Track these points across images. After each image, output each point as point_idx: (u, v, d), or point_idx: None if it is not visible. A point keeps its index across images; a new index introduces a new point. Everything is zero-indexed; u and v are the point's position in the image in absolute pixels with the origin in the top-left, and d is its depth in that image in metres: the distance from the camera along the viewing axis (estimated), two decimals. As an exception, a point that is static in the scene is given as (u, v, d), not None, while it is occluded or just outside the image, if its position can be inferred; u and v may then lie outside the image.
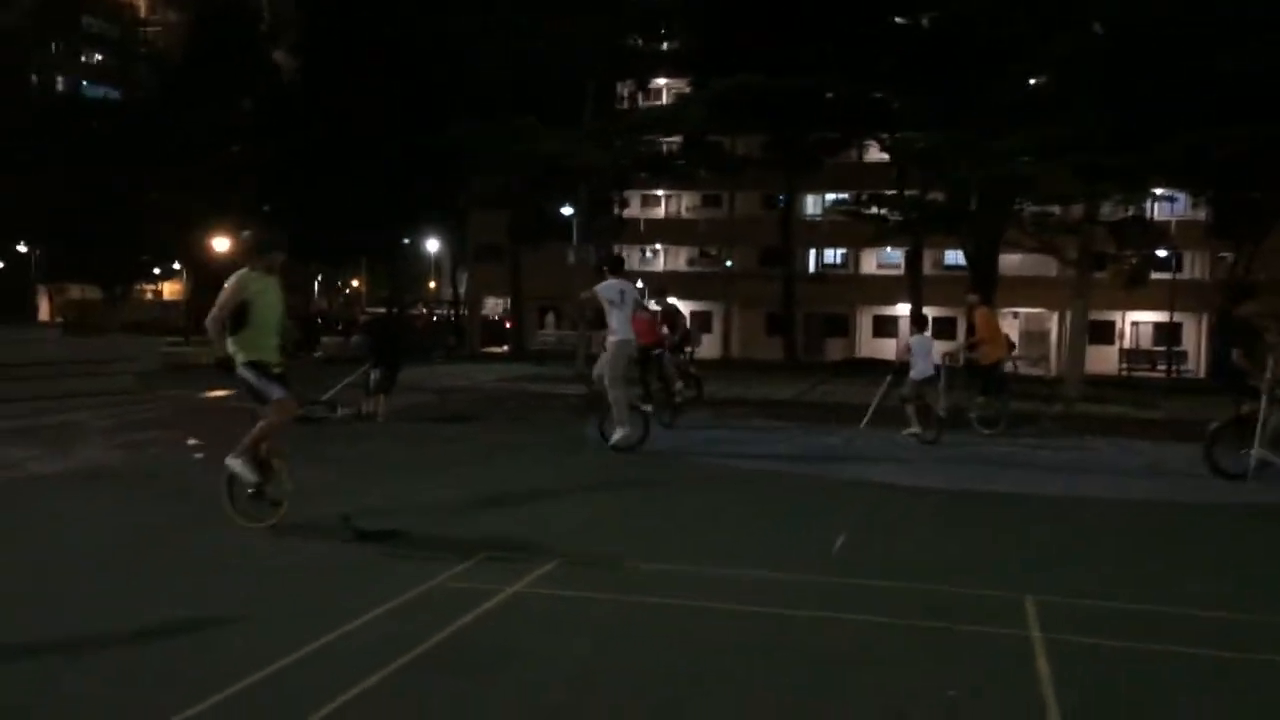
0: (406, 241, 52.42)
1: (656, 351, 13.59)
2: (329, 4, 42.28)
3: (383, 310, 49.54)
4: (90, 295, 54.83)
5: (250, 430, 7.20)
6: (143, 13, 73.10)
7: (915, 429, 13.09)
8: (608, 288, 11.38)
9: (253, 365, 7.15)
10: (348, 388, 15.42)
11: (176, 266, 55.83)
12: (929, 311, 20.78)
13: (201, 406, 17.01)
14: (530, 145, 28.20)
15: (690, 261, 54.91)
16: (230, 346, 7.12)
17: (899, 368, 14.30)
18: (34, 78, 58.44)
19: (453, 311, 58.47)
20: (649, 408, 12.40)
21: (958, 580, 6.30)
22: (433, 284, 75.11)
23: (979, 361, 14.13)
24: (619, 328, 11.27)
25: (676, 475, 10.29)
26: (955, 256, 43.78)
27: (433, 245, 58.45)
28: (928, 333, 13.67)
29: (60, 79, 65.71)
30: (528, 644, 5.02)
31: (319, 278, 71.44)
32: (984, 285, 22.58)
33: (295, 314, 14.27)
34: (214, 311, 7.14)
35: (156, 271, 56.72)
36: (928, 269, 42.92)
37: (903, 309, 42.14)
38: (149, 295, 62.48)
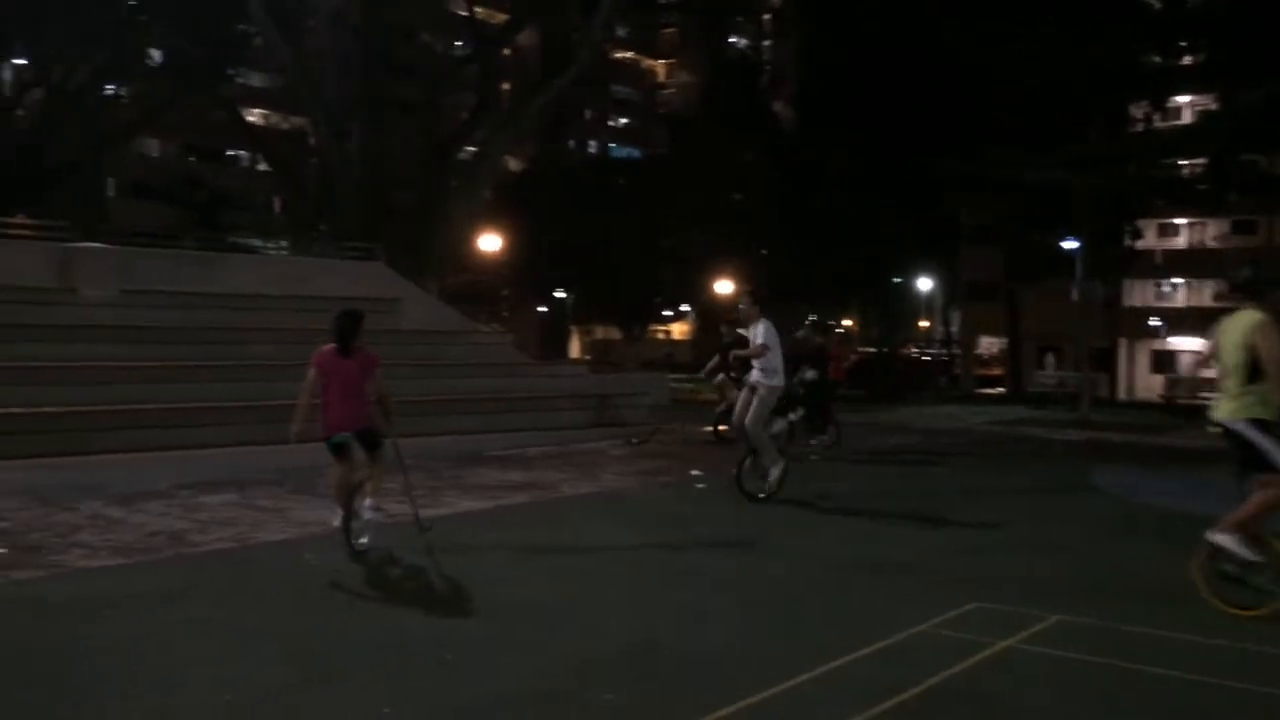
0: (897, 280, 52.33)
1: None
2: (826, 49, 43.56)
3: (872, 350, 49.82)
4: (611, 335, 61.17)
5: (1250, 501, 6.21)
6: (661, 77, 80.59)
7: None
8: (768, 331, 10.38)
9: (1259, 424, 6.12)
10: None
11: (685, 308, 60.51)
12: None
13: (704, 440, 18.20)
14: (1021, 173, 26.95)
15: (1217, 296, 49.15)
16: (1241, 400, 6.17)
17: None
18: (570, 143, 66.70)
19: (945, 351, 57.34)
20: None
21: None
22: (924, 323, 74.16)
23: None
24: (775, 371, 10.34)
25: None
26: None
27: (925, 284, 57.80)
28: None
29: (592, 143, 74.30)
30: (1013, 702, 4.79)
31: (811, 318, 73.50)
32: None
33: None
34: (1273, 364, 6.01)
35: (668, 314, 61.83)
36: None
37: None
38: (660, 335, 68.20)
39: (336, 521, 7.86)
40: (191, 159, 59.55)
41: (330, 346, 7.70)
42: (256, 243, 35.60)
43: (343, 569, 7.41)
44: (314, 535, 8.37)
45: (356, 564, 7.56)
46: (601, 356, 54.55)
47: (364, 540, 7.82)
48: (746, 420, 10.22)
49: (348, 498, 7.79)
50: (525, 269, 48.19)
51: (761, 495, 10.33)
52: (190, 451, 13.35)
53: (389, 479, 8.13)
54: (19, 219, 21.37)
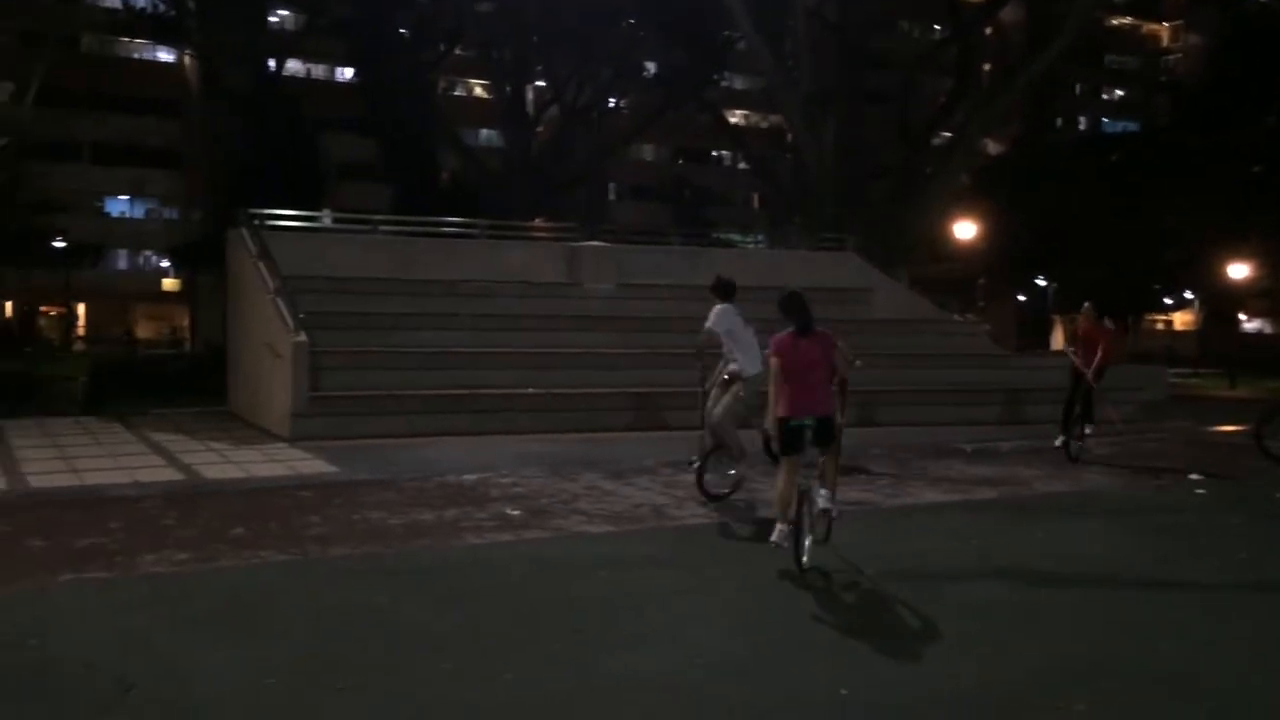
0: None
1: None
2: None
3: None
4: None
5: None
6: (1164, 42, 73.12)
7: None
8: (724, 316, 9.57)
9: None
10: None
11: (1188, 296, 54.50)
12: None
13: (1209, 440, 16.37)
14: None
15: None
16: None
17: None
18: (1057, 121, 62.59)
19: None
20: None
21: None
22: None
23: None
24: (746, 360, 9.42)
25: None
26: None
27: None
28: None
29: (1082, 119, 69.23)
30: None
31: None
32: None
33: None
34: None
35: (1168, 301, 56.09)
36: None
37: None
38: (1159, 325, 62.06)
39: (776, 537, 7.06)
40: (679, 161, 63.98)
41: (788, 332, 7.31)
42: (735, 237, 37.46)
43: (806, 556, 7.65)
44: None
45: (817, 551, 7.75)
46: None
47: (812, 538, 7.12)
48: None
49: (795, 507, 6.94)
50: (1003, 256, 46.04)
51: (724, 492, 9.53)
52: (674, 433, 14.42)
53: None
54: (537, 223, 24.38)
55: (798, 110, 27.66)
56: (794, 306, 7.33)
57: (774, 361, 7.25)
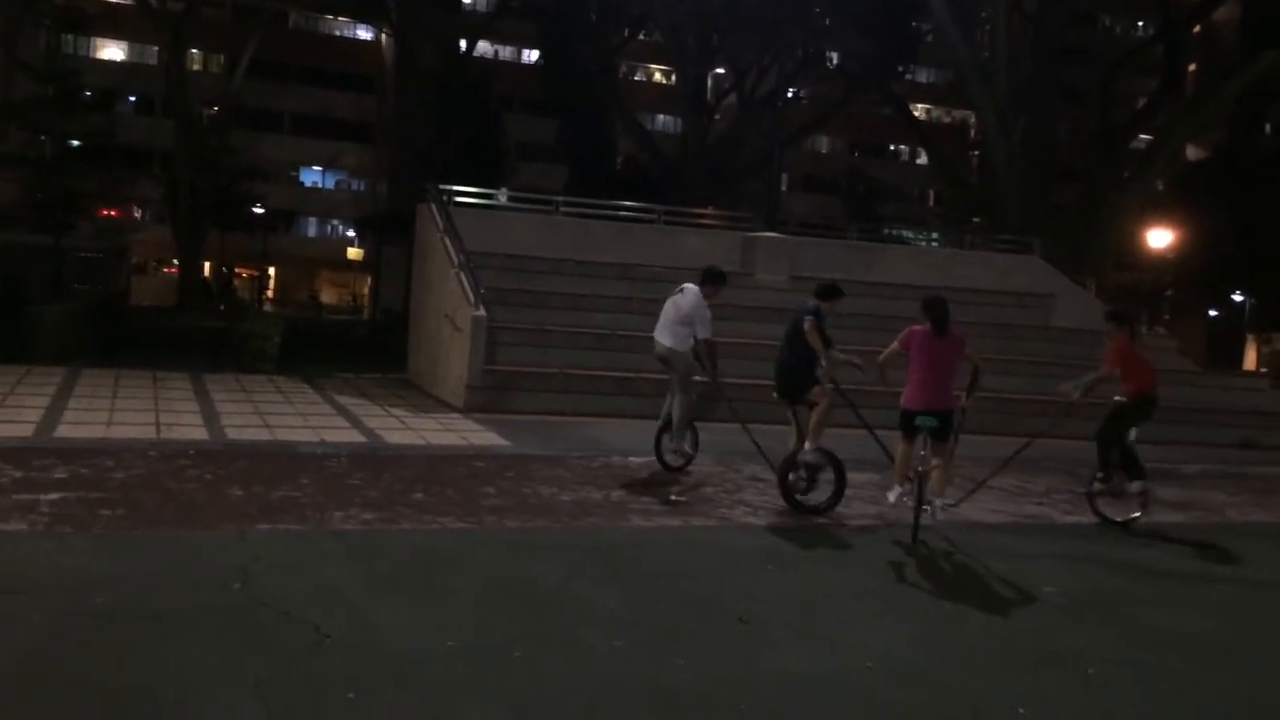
0: None
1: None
2: None
3: None
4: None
5: None
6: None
7: None
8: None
9: None
10: None
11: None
12: None
13: None
14: None
15: None
16: None
17: None
18: (1267, 126, 58.47)
19: None
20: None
21: None
22: None
23: None
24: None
25: None
26: None
27: None
28: None
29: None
30: None
31: None
32: None
33: None
34: None
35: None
36: None
37: None
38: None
39: (893, 498, 8.28)
40: (855, 154, 62.90)
41: (924, 327, 8.23)
42: (908, 234, 36.62)
43: (976, 561, 7.47)
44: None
45: (997, 560, 7.55)
46: (1283, 369, 47.47)
47: (926, 521, 7.93)
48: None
49: (915, 480, 8.00)
50: (1197, 267, 43.45)
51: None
52: (844, 430, 14.21)
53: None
54: (710, 211, 24.40)
55: (989, 105, 26.77)
56: (936, 310, 8.21)
57: (894, 344, 8.40)
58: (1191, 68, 40.68)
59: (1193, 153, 49.61)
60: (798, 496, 8.80)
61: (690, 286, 10.45)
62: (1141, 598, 6.87)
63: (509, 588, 6.06)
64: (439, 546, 6.90)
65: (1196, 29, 38.92)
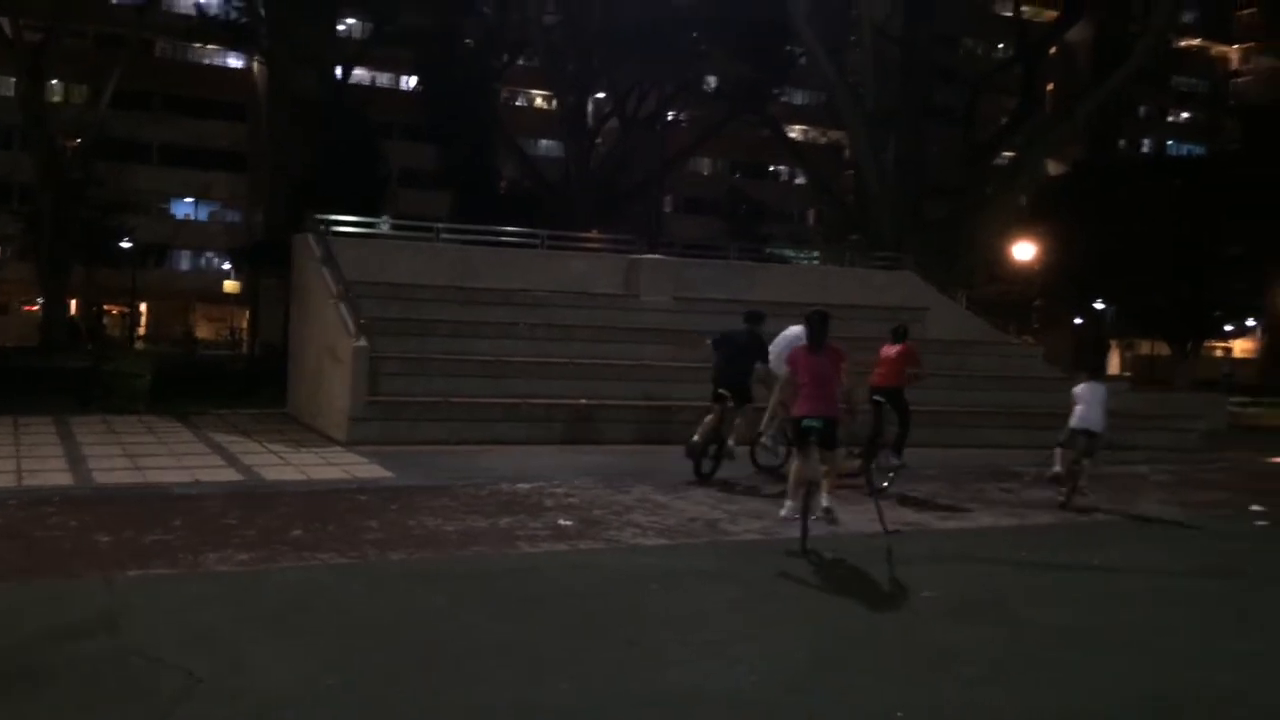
0: None
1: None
2: None
3: None
4: (1157, 351, 55.60)
5: None
6: (1234, 64, 71.81)
7: None
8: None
9: None
10: None
11: (1250, 323, 53.36)
12: None
13: (1269, 472, 16.03)
14: None
15: None
16: None
17: None
18: (1120, 143, 61.65)
19: None
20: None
21: None
22: None
23: None
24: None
25: None
26: None
27: None
28: None
29: (1146, 141, 68.11)
30: None
31: None
32: None
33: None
34: None
35: (1228, 328, 54.95)
36: None
37: None
38: (1218, 352, 60.80)
39: (785, 512, 8.55)
40: (736, 175, 63.94)
41: (803, 345, 8.78)
42: (789, 252, 37.36)
43: (857, 569, 7.64)
44: (835, 534, 8.66)
45: (875, 567, 7.74)
46: (1145, 373, 49.84)
47: (817, 518, 8.38)
48: None
49: (805, 494, 8.36)
50: (1061, 278, 45.42)
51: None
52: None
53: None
54: (595, 234, 24.50)
55: (860, 126, 27.55)
56: (811, 325, 8.69)
57: (786, 370, 8.89)
58: (1050, 87, 42.62)
59: (1054, 168, 51.95)
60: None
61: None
62: (1015, 596, 7.11)
63: (392, 621, 5.95)
64: (319, 583, 6.74)
65: (1053, 50, 40.84)
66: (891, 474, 11.58)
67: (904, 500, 10.77)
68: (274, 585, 6.62)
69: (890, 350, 12.12)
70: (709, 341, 12.29)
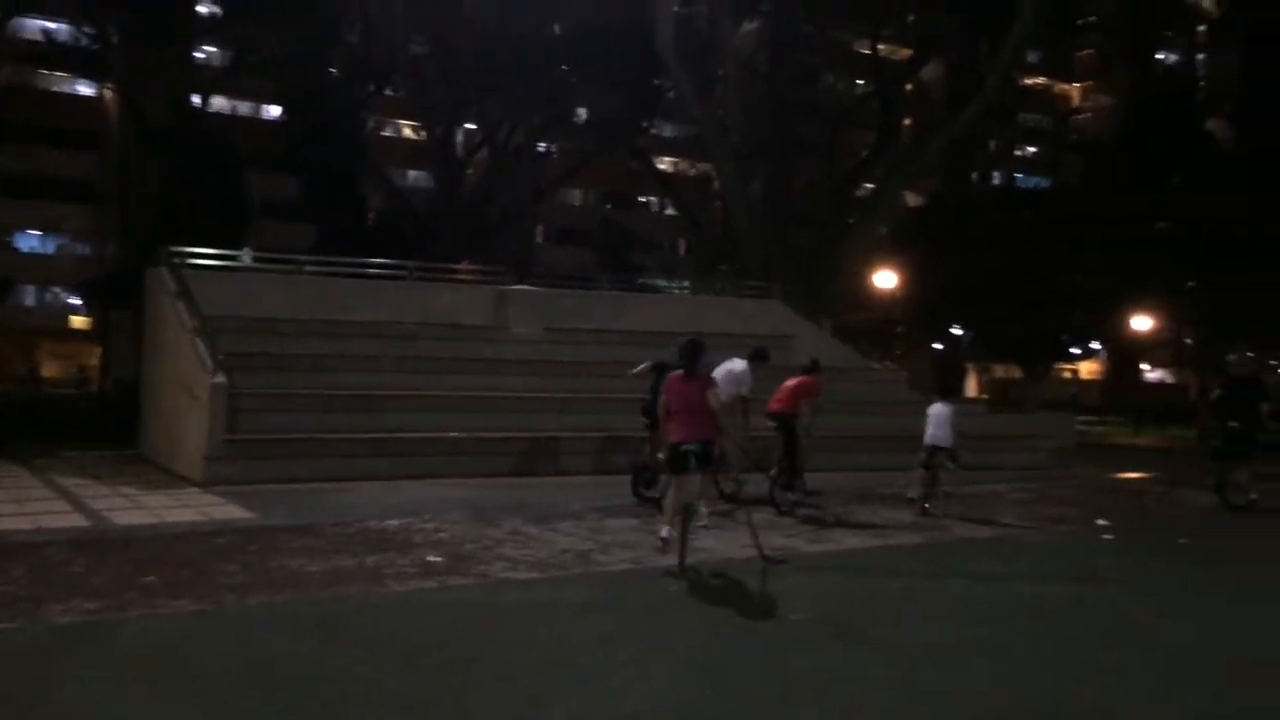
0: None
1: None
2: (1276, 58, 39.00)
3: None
4: (1011, 374, 58.12)
5: None
6: (1075, 102, 75.91)
7: None
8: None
9: None
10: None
11: (1095, 346, 56.17)
12: None
13: (1113, 487, 16.84)
14: None
15: None
16: None
17: None
18: (973, 175, 64.38)
19: None
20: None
21: None
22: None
23: None
24: None
25: None
26: None
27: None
28: None
29: (996, 174, 71.29)
30: None
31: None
32: None
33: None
34: None
35: (1075, 352, 57.83)
36: None
37: None
38: (1066, 374, 63.84)
39: (664, 533, 8.59)
40: (608, 206, 64.37)
41: (678, 373, 8.84)
42: (661, 282, 37.73)
43: (729, 594, 7.69)
44: (704, 562, 8.71)
45: (747, 591, 7.80)
46: (1000, 396, 51.96)
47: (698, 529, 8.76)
48: None
49: (683, 519, 8.52)
50: (921, 305, 47.07)
51: None
52: (602, 477, 14.36)
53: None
54: (464, 265, 24.28)
55: (727, 158, 28.09)
56: (683, 353, 8.82)
57: (663, 399, 8.82)
58: (907, 122, 44.27)
59: (912, 199, 53.91)
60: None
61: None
62: (885, 616, 7.26)
63: (251, 670, 5.70)
64: (174, 632, 6.42)
65: (909, 87, 42.48)
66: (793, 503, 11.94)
67: (772, 525, 10.91)
68: (123, 636, 6.27)
69: (791, 380, 12.48)
70: (633, 372, 12.73)
